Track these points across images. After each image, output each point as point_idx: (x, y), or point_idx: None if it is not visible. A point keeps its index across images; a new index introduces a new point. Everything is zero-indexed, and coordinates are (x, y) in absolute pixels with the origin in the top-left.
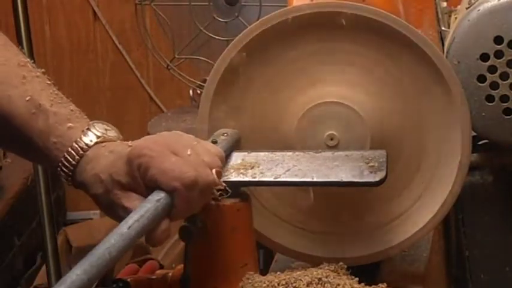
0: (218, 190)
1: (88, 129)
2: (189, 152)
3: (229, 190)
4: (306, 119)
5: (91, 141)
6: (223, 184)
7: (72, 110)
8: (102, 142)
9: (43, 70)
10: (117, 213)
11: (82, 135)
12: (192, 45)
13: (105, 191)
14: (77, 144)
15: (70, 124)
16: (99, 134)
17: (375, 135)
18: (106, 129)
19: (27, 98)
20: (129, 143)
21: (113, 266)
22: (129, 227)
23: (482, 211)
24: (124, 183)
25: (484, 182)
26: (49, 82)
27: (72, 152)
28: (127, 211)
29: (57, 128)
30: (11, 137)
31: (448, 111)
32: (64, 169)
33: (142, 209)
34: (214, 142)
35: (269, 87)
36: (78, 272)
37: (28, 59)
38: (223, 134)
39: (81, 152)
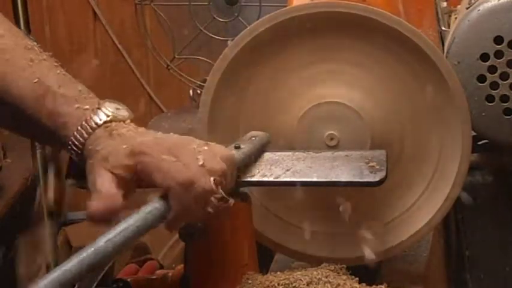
0: (218, 200)
1: (98, 108)
2: (190, 157)
3: (228, 198)
4: (306, 119)
5: (100, 119)
6: (221, 192)
7: (80, 90)
8: (111, 121)
9: (50, 53)
10: (88, 178)
11: (92, 114)
12: (192, 45)
13: (92, 163)
14: (87, 123)
15: (78, 105)
16: (109, 113)
17: (375, 135)
18: (117, 108)
19: (34, 80)
20: (138, 129)
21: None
22: (107, 240)
23: (482, 211)
24: (113, 166)
25: (484, 182)
26: (56, 64)
27: (82, 130)
28: (93, 183)
29: (66, 108)
30: (21, 120)
31: (448, 111)
32: (74, 148)
33: (129, 221)
34: (237, 147)
35: (269, 87)
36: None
37: (35, 43)
38: (251, 138)
39: (90, 130)
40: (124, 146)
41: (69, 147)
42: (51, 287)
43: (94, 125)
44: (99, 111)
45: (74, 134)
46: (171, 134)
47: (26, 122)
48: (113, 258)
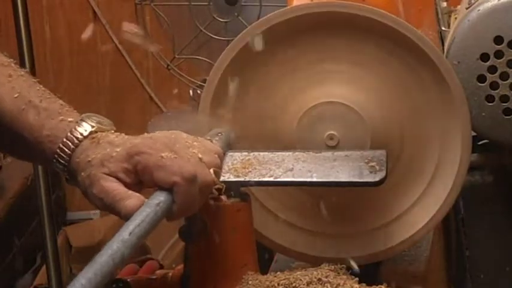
0: (217, 189)
1: (82, 120)
2: (187, 152)
3: (226, 189)
4: (306, 119)
5: (86, 131)
6: (222, 184)
7: (62, 105)
8: (96, 132)
9: (26, 70)
10: (92, 192)
11: (76, 126)
12: (192, 45)
13: (89, 174)
14: (72, 135)
15: (62, 117)
16: (93, 124)
17: (375, 135)
18: (99, 121)
19: (15, 95)
20: (125, 136)
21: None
22: (130, 233)
23: (482, 211)
24: (112, 171)
25: (484, 182)
26: (34, 80)
27: (68, 142)
28: (103, 190)
29: (50, 121)
30: (3, 136)
31: (448, 111)
32: (60, 160)
33: (142, 214)
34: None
35: (269, 87)
36: (83, 281)
37: (11, 59)
38: (218, 134)
39: (76, 141)
40: (118, 150)
41: (55, 160)
42: (90, 282)
43: (80, 136)
44: (83, 122)
45: (59, 146)
46: (157, 132)
47: (8, 137)
48: (136, 249)
